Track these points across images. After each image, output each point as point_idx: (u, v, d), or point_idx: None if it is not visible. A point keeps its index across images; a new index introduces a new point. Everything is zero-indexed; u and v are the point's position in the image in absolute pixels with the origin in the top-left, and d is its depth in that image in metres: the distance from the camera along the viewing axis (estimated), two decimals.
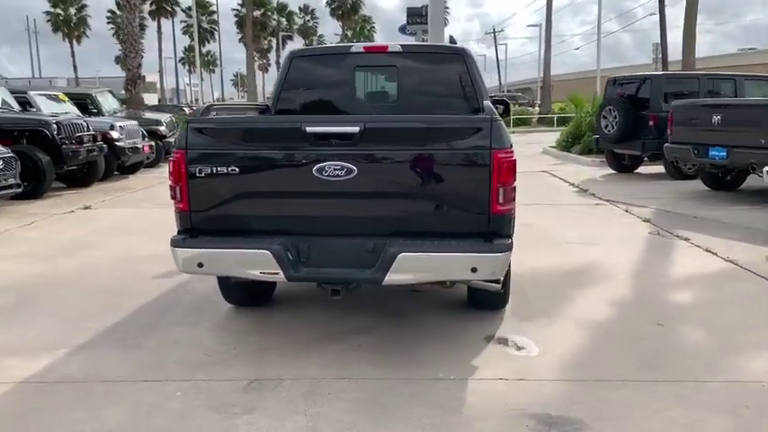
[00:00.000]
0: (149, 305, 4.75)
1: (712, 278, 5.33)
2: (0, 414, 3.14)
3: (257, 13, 64.88)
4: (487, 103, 3.77)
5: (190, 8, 70.34)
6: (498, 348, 3.88)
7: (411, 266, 3.49)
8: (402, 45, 5.26)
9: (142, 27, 69.33)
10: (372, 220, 3.66)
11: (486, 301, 4.42)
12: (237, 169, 3.64)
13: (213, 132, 3.74)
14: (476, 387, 3.36)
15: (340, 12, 72.23)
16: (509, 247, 3.55)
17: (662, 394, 3.22)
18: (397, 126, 3.79)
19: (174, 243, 3.70)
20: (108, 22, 66.43)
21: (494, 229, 3.55)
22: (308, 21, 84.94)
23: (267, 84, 75.43)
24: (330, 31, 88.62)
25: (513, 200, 3.57)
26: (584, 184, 11.09)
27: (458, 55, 5.09)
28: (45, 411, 3.16)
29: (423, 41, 16.41)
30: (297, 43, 79.92)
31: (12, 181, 8.91)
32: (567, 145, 16.77)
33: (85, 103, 14.64)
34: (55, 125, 10.49)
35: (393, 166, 3.60)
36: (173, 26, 64.24)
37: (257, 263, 3.59)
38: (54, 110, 12.40)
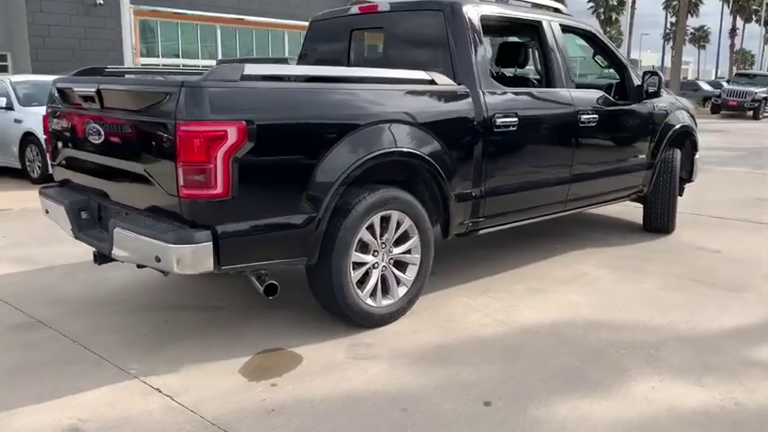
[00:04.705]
0: None
1: None
2: None
3: None
4: (229, 65, 3.29)
5: None
6: (246, 361, 3.73)
7: (121, 243, 3.39)
8: (391, 3, 4.98)
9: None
10: (124, 191, 3.62)
11: (342, 315, 4.06)
12: (61, 127, 3.99)
13: (57, 92, 4.08)
14: (144, 380, 3.48)
15: None
16: (195, 240, 3.11)
17: None
18: (110, 88, 3.57)
19: (39, 191, 4.31)
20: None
21: (189, 217, 3.17)
22: None
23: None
24: None
25: (207, 186, 3.08)
26: None
27: (437, 11, 4.55)
28: None
29: None
30: None
31: None
32: None
33: None
34: None
35: (117, 133, 3.47)
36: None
37: (61, 218, 3.92)
38: None
